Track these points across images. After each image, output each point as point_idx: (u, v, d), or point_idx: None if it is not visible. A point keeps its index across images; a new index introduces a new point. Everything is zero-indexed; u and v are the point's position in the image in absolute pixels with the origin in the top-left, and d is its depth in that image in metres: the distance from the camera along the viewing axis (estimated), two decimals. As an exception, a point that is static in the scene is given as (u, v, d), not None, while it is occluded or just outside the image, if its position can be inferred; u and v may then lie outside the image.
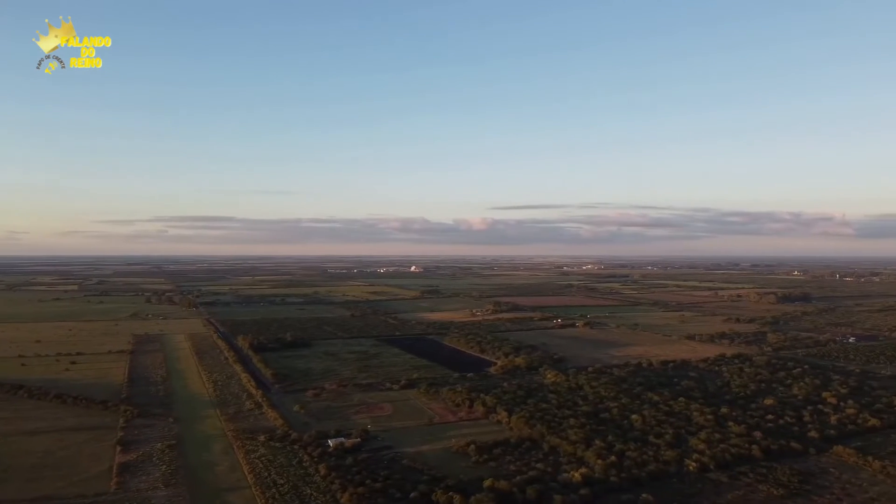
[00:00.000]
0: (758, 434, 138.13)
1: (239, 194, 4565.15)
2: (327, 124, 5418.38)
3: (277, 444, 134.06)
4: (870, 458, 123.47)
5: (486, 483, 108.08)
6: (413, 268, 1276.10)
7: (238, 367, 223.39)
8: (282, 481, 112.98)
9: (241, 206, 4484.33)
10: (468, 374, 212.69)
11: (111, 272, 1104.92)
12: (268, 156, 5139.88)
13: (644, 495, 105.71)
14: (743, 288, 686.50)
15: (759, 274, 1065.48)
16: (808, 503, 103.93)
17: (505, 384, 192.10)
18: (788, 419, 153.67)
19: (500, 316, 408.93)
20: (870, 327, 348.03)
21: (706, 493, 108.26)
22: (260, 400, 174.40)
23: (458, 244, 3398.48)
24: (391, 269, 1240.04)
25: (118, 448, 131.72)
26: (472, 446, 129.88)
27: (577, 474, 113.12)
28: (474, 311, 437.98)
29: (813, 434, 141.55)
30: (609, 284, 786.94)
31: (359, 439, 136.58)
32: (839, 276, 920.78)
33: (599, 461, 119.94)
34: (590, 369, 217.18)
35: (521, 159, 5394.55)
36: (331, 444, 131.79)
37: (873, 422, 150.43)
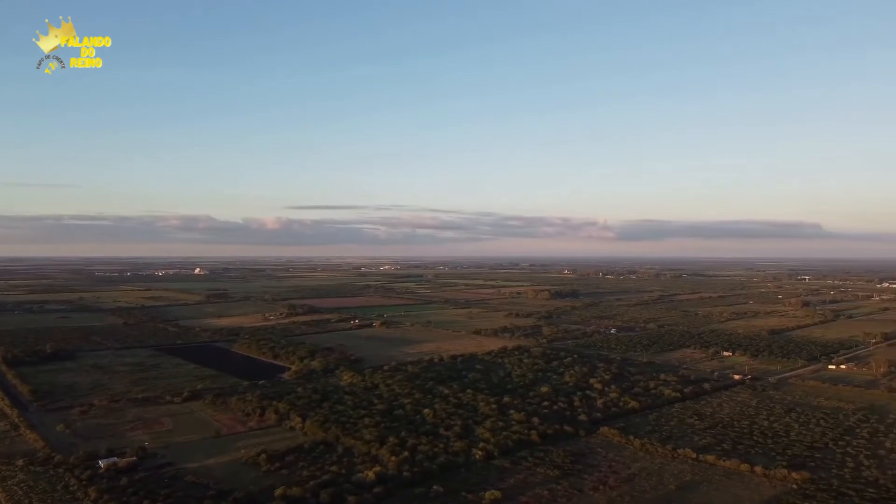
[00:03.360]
0: (536, 420, 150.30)
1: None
2: (93, 109, 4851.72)
3: (39, 469, 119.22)
4: (631, 437, 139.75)
5: (278, 491, 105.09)
6: (197, 270, 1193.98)
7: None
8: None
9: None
10: (260, 382, 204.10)
11: None
12: (16, 141, 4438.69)
13: (435, 487, 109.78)
14: (522, 285, 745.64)
15: (536, 273, 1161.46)
16: (579, 482, 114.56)
17: (300, 389, 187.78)
18: (562, 405, 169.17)
19: (296, 319, 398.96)
20: (628, 319, 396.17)
21: (491, 480, 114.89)
22: (16, 420, 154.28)
23: (249, 244, 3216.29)
24: (171, 272, 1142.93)
25: None
26: (263, 455, 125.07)
27: (370, 473, 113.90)
28: (267, 315, 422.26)
29: (583, 417, 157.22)
30: (405, 284, 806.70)
31: (135, 458, 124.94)
32: (602, 275, 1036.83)
33: (393, 458, 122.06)
34: (385, 368, 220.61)
35: (318, 158, 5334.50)
36: (102, 465, 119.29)
37: (633, 404, 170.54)
